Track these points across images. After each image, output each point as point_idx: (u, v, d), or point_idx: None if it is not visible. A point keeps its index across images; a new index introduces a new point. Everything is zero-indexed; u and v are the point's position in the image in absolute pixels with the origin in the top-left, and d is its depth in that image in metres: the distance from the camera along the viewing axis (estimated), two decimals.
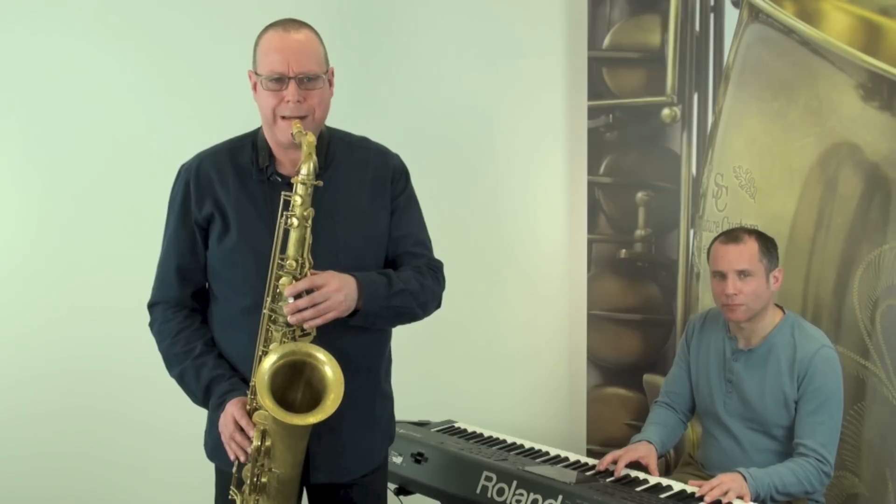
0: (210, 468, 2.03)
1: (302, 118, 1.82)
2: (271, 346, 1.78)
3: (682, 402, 2.64)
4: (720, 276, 2.42)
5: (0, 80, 2.75)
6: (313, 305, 1.75)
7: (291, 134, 1.80)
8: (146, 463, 2.93)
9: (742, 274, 2.37)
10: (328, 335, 1.81)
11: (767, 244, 2.43)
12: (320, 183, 1.80)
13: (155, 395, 2.65)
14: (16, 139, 2.78)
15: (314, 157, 1.78)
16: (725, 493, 2.15)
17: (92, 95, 2.82)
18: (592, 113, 3.29)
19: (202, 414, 1.98)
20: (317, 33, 1.89)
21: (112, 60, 2.84)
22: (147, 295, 2.00)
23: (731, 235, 2.44)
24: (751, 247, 2.39)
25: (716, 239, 2.49)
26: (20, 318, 2.80)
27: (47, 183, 2.82)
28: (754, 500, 2.18)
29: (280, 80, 1.82)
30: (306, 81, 1.82)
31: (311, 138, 1.78)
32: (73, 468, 2.85)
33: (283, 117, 1.83)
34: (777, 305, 2.49)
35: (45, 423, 2.82)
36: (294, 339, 1.79)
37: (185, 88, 2.90)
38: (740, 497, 2.16)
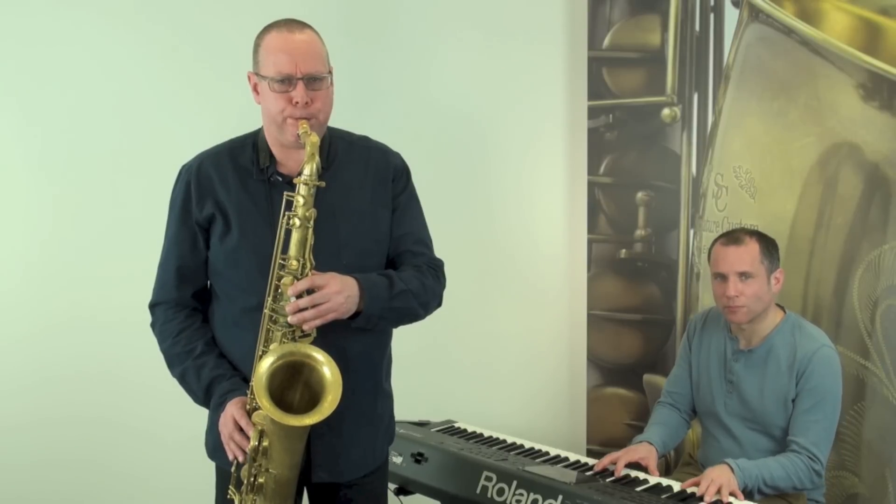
0: (209, 474, 2.03)
1: (308, 119, 1.82)
2: (271, 347, 1.78)
3: (685, 401, 2.63)
4: (721, 277, 2.41)
5: (6, 83, 2.74)
6: (314, 306, 1.75)
7: (297, 134, 1.80)
8: (145, 469, 2.92)
9: (743, 276, 2.36)
10: (329, 334, 1.81)
11: (769, 245, 2.41)
12: (323, 184, 1.80)
13: (155, 401, 2.67)
14: (18, 141, 2.77)
15: (317, 157, 1.78)
16: (719, 491, 2.16)
17: (98, 100, 2.81)
18: (592, 113, 3.29)
19: (202, 420, 1.98)
20: (317, 33, 1.88)
21: (115, 64, 2.83)
22: (148, 300, 2.00)
23: (732, 237, 2.43)
24: (752, 248, 2.38)
25: (717, 240, 2.48)
26: (21, 324, 2.78)
27: (48, 185, 2.81)
28: (742, 491, 2.19)
29: (287, 82, 1.80)
30: (313, 82, 1.82)
31: (314, 139, 1.78)
32: (73, 474, 2.84)
33: (291, 118, 1.82)
34: (778, 306, 2.48)
35: (45, 428, 2.80)
36: (294, 339, 1.79)
37: (190, 91, 2.89)
38: (732, 494, 2.16)
